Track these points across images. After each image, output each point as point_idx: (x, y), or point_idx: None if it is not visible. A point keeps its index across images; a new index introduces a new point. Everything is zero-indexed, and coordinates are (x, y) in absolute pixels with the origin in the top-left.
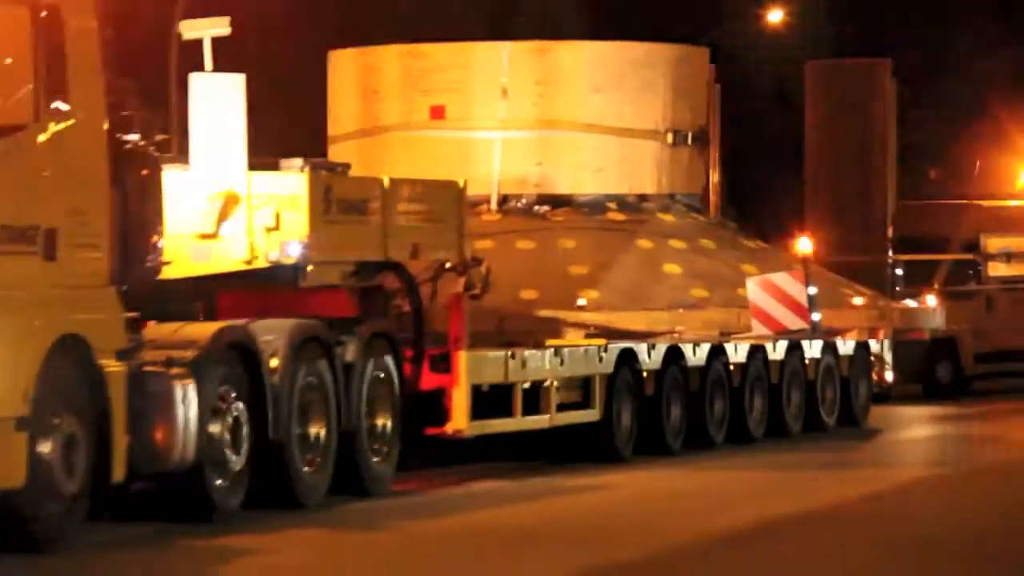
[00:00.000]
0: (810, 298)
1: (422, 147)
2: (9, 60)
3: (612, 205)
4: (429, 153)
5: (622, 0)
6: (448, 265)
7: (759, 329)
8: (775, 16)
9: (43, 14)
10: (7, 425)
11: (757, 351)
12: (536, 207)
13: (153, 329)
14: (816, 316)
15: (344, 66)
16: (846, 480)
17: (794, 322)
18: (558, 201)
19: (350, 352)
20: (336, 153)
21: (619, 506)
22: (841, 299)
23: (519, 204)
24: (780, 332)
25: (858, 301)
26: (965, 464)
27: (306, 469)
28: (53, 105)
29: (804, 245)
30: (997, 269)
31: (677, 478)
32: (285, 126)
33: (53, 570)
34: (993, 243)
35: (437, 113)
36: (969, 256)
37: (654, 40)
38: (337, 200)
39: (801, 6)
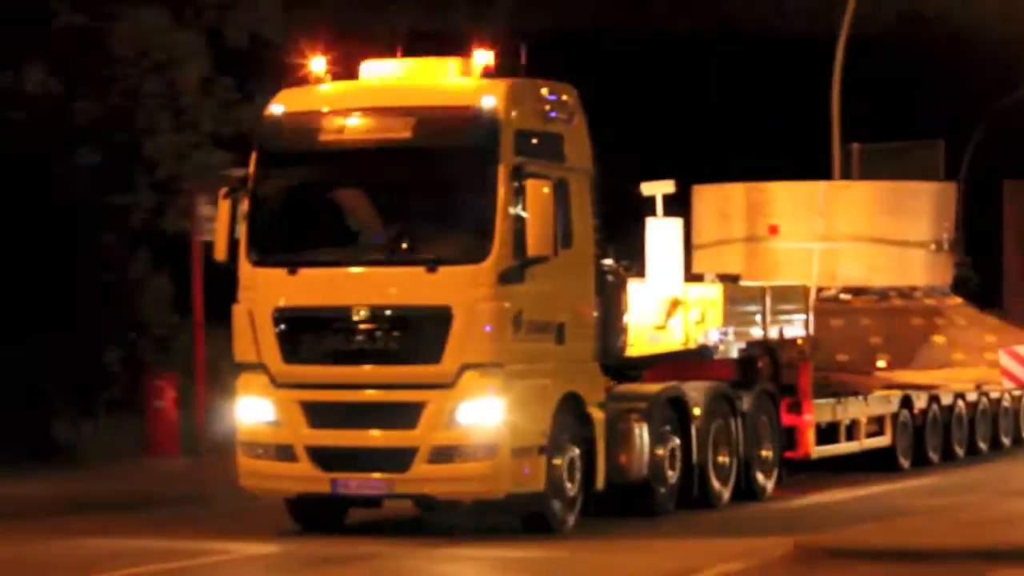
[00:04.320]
0: None
1: (762, 254)
2: (538, 216)
3: (893, 294)
4: (768, 258)
5: None
6: (799, 340)
7: (1007, 384)
8: None
9: (558, 185)
10: (534, 450)
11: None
12: (842, 295)
13: (621, 388)
14: None
15: (704, 196)
16: None
17: None
18: (857, 291)
19: (746, 404)
20: (699, 258)
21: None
22: None
23: (830, 294)
24: (1021, 386)
25: None
26: None
27: (716, 483)
28: (563, 242)
29: None
30: None
31: (936, 479)
32: None
33: (563, 542)
34: None
35: (773, 230)
36: None
37: None
38: (737, 301)
39: None
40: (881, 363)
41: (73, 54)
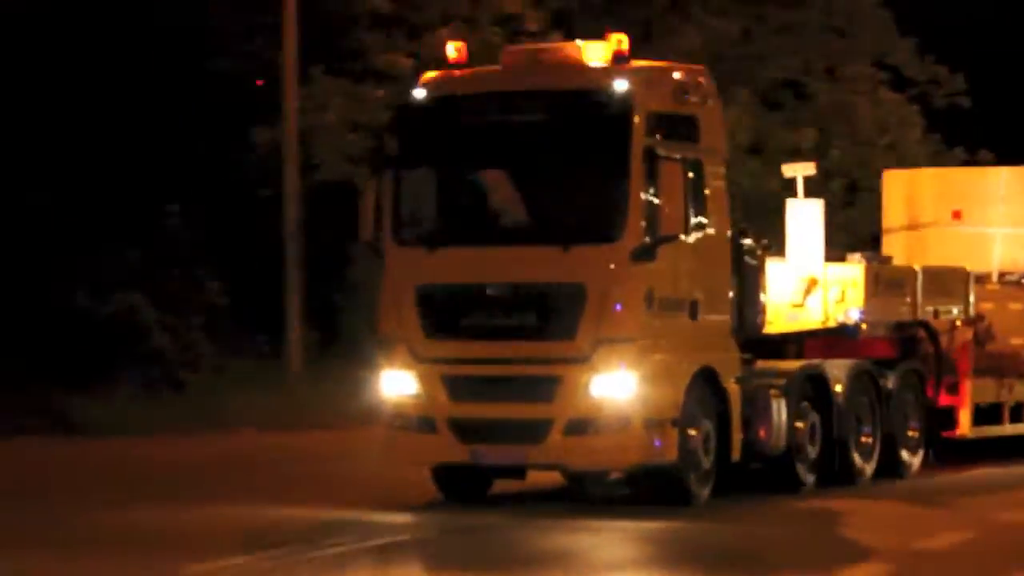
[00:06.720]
0: None
1: (947, 238)
2: (671, 196)
3: None
4: (951, 242)
5: None
6: (959, 322)
7: None
8: None
9: (691, 166)
10: (667, 423)
11: None
12: (1023, 279)
13: (760, 364)
14: None
15: (893, 181)
16: None
17: None
18: None
19: (890, 382)
20: (888, 242)
21: None
22: None
23: (1012, 278)
24: None
25: None
26: None
27: (858, 459)
28: (695, 221)
29: None
30: None
31: None
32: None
33: (697, 514)
34: None
35: (956, 215)
36: None
37: None
38: (883, 281)
39: None
40: None
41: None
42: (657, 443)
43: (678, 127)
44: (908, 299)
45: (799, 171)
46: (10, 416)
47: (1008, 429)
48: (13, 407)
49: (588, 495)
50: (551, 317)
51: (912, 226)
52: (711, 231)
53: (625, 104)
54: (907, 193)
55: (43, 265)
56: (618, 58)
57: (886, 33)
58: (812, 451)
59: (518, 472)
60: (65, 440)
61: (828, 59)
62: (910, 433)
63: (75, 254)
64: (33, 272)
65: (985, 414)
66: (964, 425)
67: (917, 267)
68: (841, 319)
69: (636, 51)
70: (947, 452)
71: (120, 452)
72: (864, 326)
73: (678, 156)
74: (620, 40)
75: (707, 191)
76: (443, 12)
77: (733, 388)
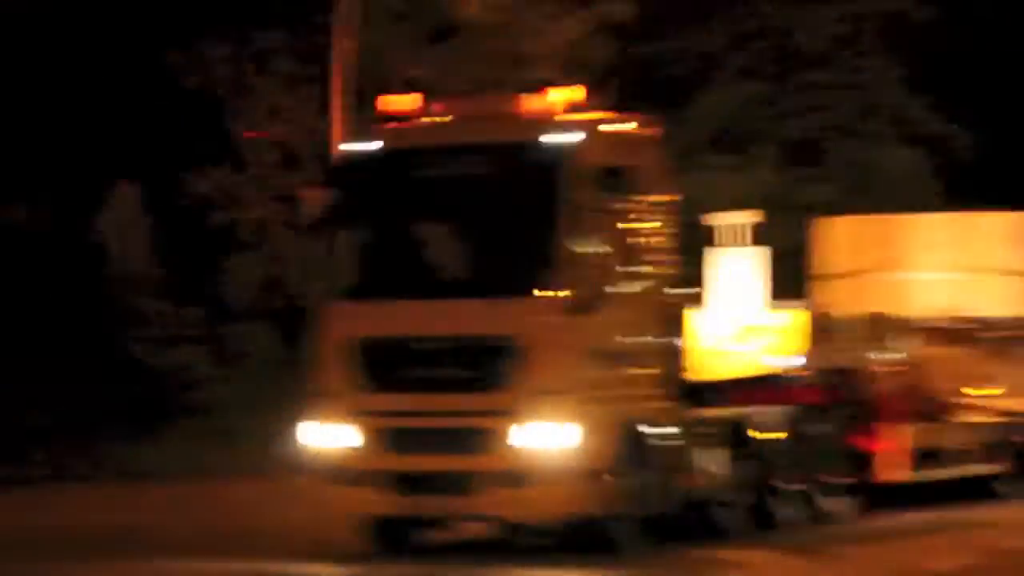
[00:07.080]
0: None
1: (883, 285)
2: (605, 248)
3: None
4: (888, 289)
5: None
6: (893, 367)
7: None
8: None
9: (629, 219)
10: (600, 474)
11: None
12: (965, 325)
13: (688, 412)
14: None
15: (827, 228)
16: None
17: None
18: (982, 321)
19: (818, 429)
20: (824, 288)
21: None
22: None
23: (953, 323)
24: None
25: None
26: None
27: (784, 506)
28: (628, 273)
29: None
30: None
31: None
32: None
33: (627, 562)
34: None
35: (892, 262)
36: None
37: None
38: (816, 328)
39: None
40: (996, 391)
41: None
42: (589, 494)
43: (617, 178)
44: (841, 345)
45: (725, 220)
46: (71, 464)
47: (944, 473)
48: (74, 455)
49: (520, 544)
50: (485, 370)
51: (849, 272)
52: (644, 283)
53: (559, 157)
54: (844, 240)
55: (106, 318)
56: (566, 110)
57: (900, 91)
58: (738, 498)
59: (449, 522)
60: (121, 486)
61: (846, 118)
62: (834, 478)
63: (137, 309)
64: (96, 324)
65: (923, 458)
66: (899, 470)
67: (850, 314)
68: (771, 366)
69: (663, 112)
70: (886, 497)
71: (153, 499)
72: (794, 373)
73: (614, 208)
74: (567, 93)
75: (643, 242)
76: (477, 78)
77: (663, 437)
